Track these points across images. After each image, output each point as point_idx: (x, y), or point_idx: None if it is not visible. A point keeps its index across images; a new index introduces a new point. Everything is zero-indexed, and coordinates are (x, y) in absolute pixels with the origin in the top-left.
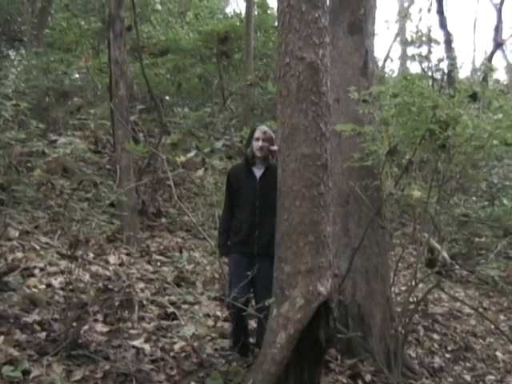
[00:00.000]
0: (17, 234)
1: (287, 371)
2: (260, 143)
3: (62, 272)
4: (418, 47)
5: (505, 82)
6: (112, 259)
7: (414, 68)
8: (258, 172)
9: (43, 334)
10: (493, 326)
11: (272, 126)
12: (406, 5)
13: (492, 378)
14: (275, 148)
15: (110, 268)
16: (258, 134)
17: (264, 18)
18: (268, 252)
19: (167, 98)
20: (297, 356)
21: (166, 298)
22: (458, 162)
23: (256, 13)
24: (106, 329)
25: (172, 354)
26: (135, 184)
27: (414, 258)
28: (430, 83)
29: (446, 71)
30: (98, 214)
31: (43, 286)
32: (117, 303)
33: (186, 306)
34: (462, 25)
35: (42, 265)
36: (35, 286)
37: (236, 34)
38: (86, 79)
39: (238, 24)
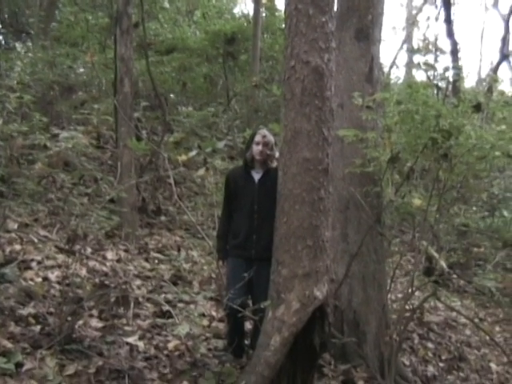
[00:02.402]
0: (16, 226)
1: (280, 374)
2: (260, 147)
3: (59, 266)
4: (425, 55)
5: (510, 94)
6: (110, 255)
7: (420, 76)
8: (256, 175)
9: (38, 328)
10: (488, 337)
11: (275, 128)
12: (413, 12)
13: None
14: (275, 154)
15: (108, 264)
16: (258, 138)
17: (271, 20)
18: (266, 256)
19: (172, 96)
20: (290, 359)
21: (162, 296)
22: (459, 171)
23: (264, 15)
24: (100, 324)
25: (166, 352)
26: (136, 181)
27: (412, 266)
28: (435, 92)
29: (451, 80)
30: (97, 209)
31: (40, 280)
32: (112, 299)
33: (181, 305)
34: (470, 35)
35: (39, 258)
36: (32, 279)
37: (243, 35)
38: (92, 74)
39: (246, 25)
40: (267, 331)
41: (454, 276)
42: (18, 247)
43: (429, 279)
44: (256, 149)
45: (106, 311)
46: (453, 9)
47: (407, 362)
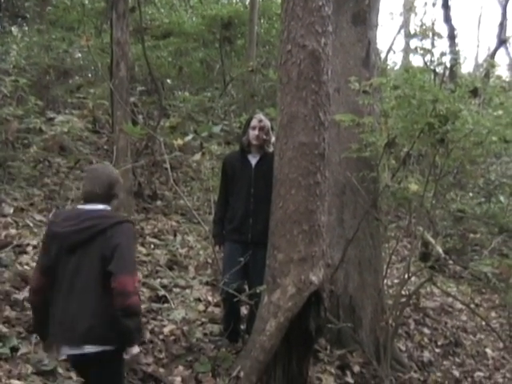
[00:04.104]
0: (11, 210)
1: (276, 359)
2: (256, 132)
3: None
4: (422, 40)
5: (507, 79)
6: None
7: (417, 61)
8: (253, 160)
9: None
10: (484, 323)
11: (272, 113)
12: None
13: (481, 374)
14: (272, 138)
15: None
16: (254, 122)
17: (268, 5)
18: (262, 240)
19: (168, 81)
20: (286, 344)
21: (158, 280)
22: (456, 157)
23: None
24: None
25: (161, 337)
26: (132, 165)
27: (408, 252)
28: (432, 77)
29: (448, 65)
30: None
31: (35, 264)
32: None
33: (177, 290)
34: (467, 20)
35: (35, 242)
36: (27, 264)
37: (239, 20)
38: (87, 58)
39: (242, 10)
40: (263, 316)
41: (450, 262)
42: (13, 231)
43: (425, 265)
44: (252, 133)
45: None
46: None
47: (403, 348)
